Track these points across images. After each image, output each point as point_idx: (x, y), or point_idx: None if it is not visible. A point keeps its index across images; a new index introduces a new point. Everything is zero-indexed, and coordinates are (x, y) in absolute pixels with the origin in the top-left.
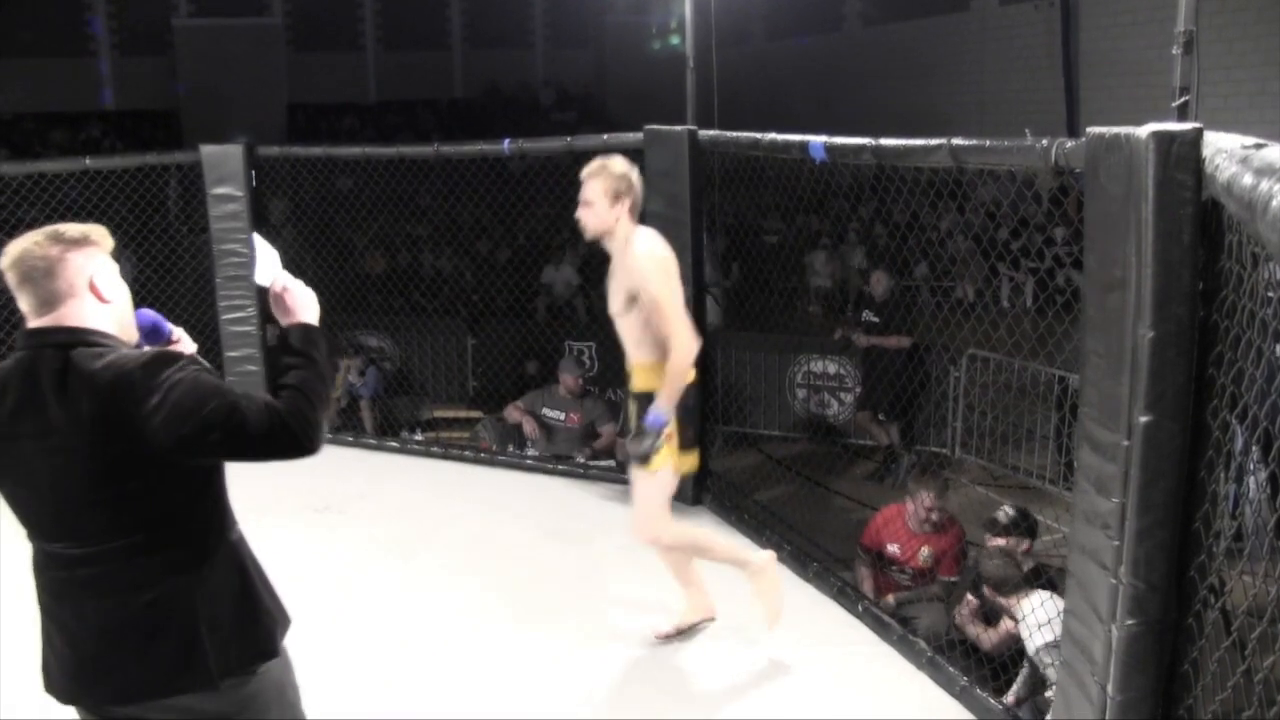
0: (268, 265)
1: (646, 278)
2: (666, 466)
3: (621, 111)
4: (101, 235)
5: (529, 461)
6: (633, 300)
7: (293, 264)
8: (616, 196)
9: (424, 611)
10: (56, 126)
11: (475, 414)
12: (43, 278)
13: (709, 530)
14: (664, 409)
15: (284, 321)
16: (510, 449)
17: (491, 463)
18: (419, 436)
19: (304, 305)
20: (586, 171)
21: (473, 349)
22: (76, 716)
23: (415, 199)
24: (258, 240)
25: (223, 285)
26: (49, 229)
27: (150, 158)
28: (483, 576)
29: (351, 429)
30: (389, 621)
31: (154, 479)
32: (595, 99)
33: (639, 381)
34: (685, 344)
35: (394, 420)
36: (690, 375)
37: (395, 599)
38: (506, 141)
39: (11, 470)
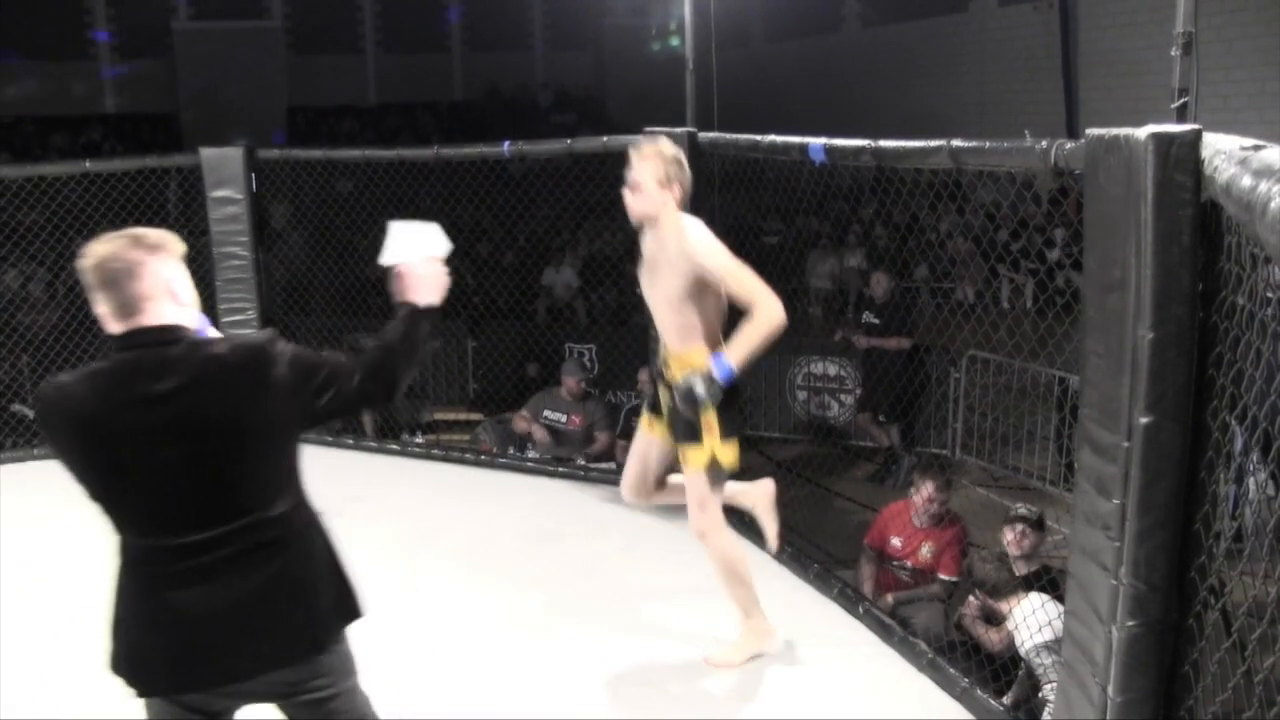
0: (396, 249)
1: (711, 255)
2: (711, 460)
3: (621, 113)
4: (174, 241)
5: (529, 464)
6: (698, 288)
7: (296, 267)
8: (667, 181)
9: (424, 613)
10: (56, 129)
11: (476, 416)
12: (126, 280)
13: (749, 570)
14: (735, 364)
15: (396, 300)
16: (511, 451)
17: (492, 465)
18: (419, 439)
19: (420, 287)
20: (636, 153)
21: (473, 351)
22: (79, 718)
23: (415, 201)
24: (395, 225)
25: (223, 288)
26: (128, 233)
27: (150, 161)
28: (483, 578)
29: (352, 432)
30: (389, 622)
31: (272, 453)
32: (595, 101)
33: (677, 370)
34: (772, 306)
35: (394, 423)
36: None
37: (396, 600)
38: (506, 144)
39: (117, 470)
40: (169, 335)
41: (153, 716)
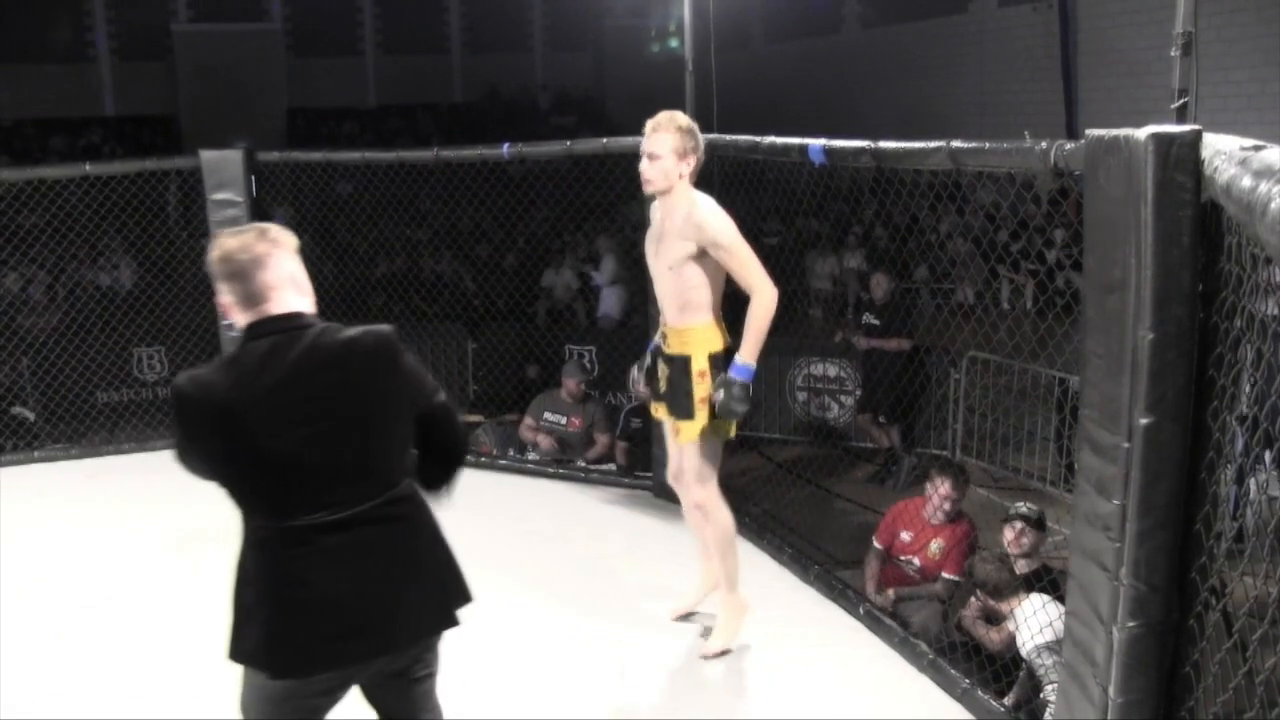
0: None
1: (721, 229)
2: (704, 432)
3: (621, 115)
4: (292, 237)
5: (530, 465)
6: (699, 256)
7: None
8: (684, 153)
9: None
10: (56, 132)
11: (476, 418)
12: (255, 271)
13: (738, 548)
14: (750, 360)
15: None
16: (510, 453)
17: (492, 466)
18: None
19: None
20: (653, 124)
21: (473, 353)
22: (79, 718)
23: (415, 203)
24: None
25: None
26: (254, 227)
27: (150, 163)
28: (483, 579)
29: None
30: None
31: (398, 434)
32: (594, 102)
33: (674, 344)
34: (768, 291)
35: None
36: (723, 340)
37: None
38: (506, 145)
39: (257, 453)
40: (297, 322)
41: (266, 699)
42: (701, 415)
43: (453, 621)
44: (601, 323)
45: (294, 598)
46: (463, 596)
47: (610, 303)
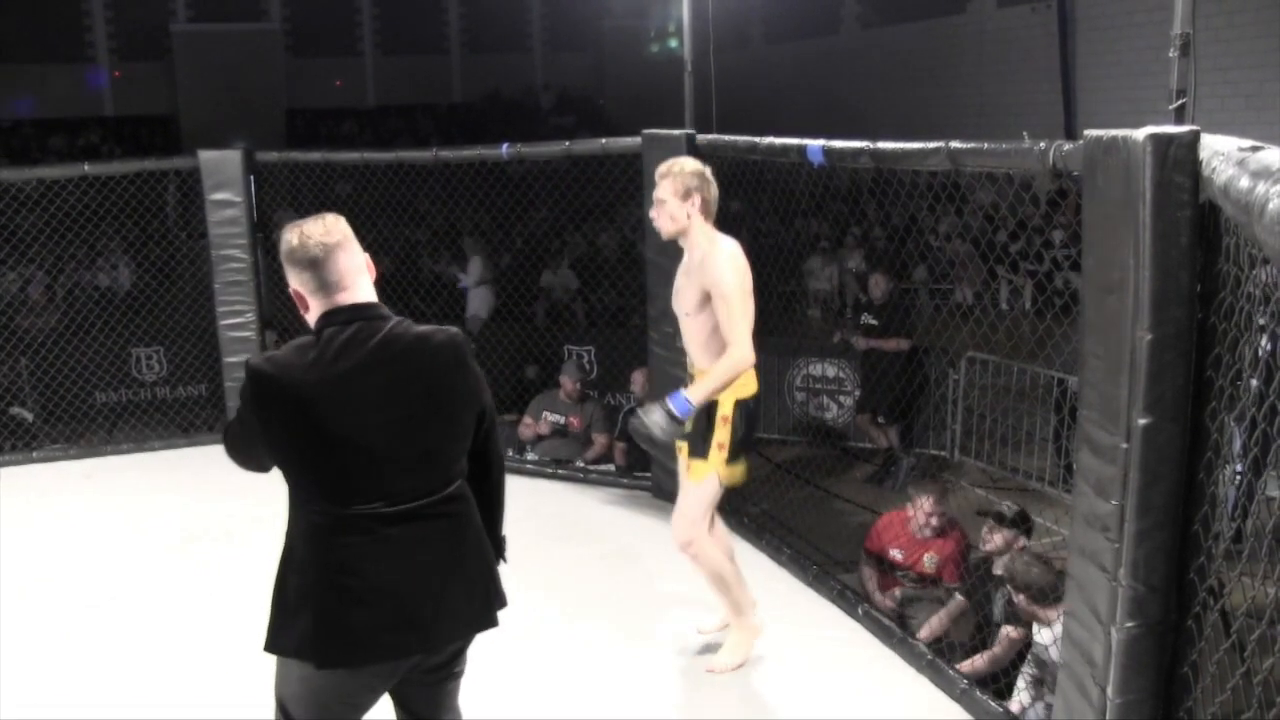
0: None
1: (723, 274)
2: (713, 476)
3: (620, 116)
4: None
5: (529, 465)
6: (707, 299)
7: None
8: (686, 193)
9: None
10: (55, 132)
11: None
12: (337, 255)
13: (736, 570)
14: (694, 401)
15: None
16: (510, 453)
17: None
18: None
19: None
20: (658, 172)
21: (472, 353)
22: (81, 718)
23: (414, 203)
24: None
25: (221, 290)
26: (329, 216)
27: (149, 163)
28: None
29: None
30: None
31: (461, 431)
32: (594, 102)
33: None
34: (742, 349)
35: None
36: (752, 386)
37: None
38: (505, 146)
39: (326, 438)
40: (375, 312)
41: (310, 690)
42: (715, 458)
43: (492, 622)
44: (470, 324)
45: (347, 586)
46: (500, 599)
47: (477, 304)
